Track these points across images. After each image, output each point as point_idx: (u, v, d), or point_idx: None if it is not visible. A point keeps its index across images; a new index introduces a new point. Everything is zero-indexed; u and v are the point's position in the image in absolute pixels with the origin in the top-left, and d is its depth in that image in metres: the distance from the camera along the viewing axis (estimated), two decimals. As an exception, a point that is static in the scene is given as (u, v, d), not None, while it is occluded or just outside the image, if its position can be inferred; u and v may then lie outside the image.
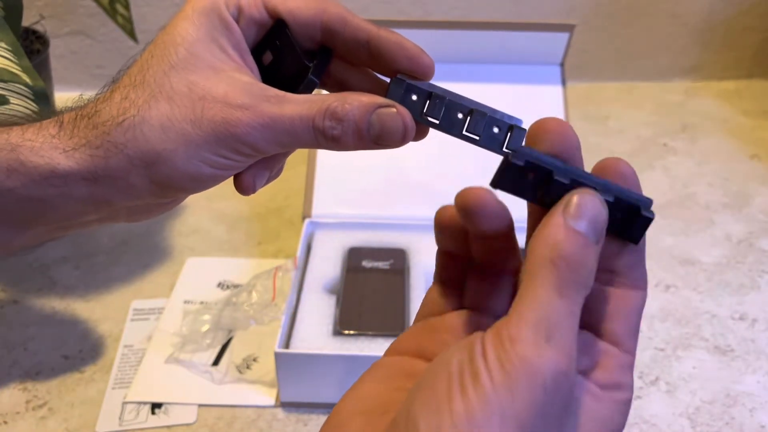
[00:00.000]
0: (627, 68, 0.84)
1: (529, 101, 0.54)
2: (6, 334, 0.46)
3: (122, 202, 0.22)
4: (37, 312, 0.48)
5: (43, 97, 0.38)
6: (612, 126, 0.75)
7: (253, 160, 0.22)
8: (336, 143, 0.21)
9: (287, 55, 0.22)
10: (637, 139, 0.72)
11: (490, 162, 0.58)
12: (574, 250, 0.16)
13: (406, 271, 0.46)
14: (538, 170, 0.19)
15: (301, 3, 0.22)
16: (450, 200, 0.55)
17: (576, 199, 0.17)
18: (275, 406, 0.40)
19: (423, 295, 0.45)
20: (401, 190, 0.51)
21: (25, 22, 0.60)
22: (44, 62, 0.56)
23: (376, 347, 0.40)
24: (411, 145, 0.57)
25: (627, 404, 0.17)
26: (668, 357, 0.44)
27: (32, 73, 0.39)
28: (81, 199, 0.22)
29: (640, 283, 0.19)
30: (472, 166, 0.52)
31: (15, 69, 0.38)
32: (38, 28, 0.60)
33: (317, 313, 0.42)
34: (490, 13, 0.78)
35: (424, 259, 0.47)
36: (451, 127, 0.23)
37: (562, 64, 0.54)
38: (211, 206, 0.60)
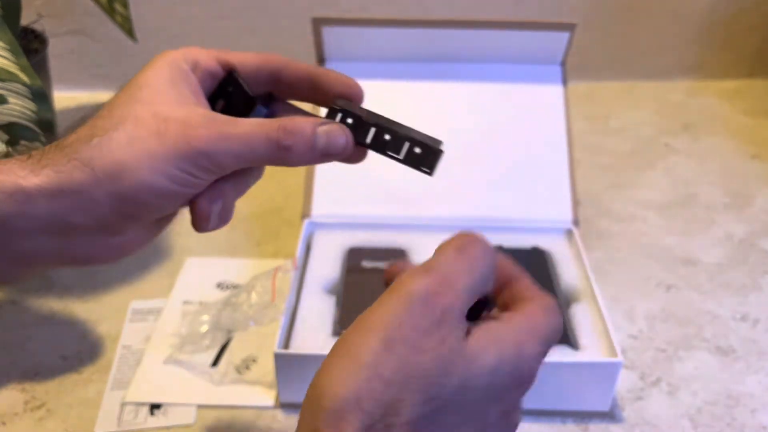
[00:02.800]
0: (628, 67, 0.84)
1: (529, 101, 0.53)
2: (4, 334, 0.45)
3: (82, 221, 0.23)
4: (36, 313, 0.47)
5: (41, 96, 0.38)
6: (613, 125, 0.75)
7: (211, 177, 0.25)
8: (289, 152, 0.25)
9: (238, 97, 0.26)
10: (638, 139, 0.72)
11: (489, 162, 0.58)
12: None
13: (406, 271, 0.46)
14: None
15: (249, 55, 0.27)
16: (450, 200, 0.56)
17: None
18: (274, 407, 0.40)
19: None
20: (401, 190, 0.51)
21: (24, 21, 0.60)
22: (43, 61, 0.56)
23: (376, 348, 0.39)
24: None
25: (549, 307, 0.23)
26: (670, 358, 0.44)
27: (30, 72, 0.39)
28: (40, 219, 0.22)
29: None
30: (471, 166, 0.52)
31: (13, 68, 0.38)
32: (37, 27, 0.59)
33: (317, 314, 0.42)
34: (490, 12, 0.78)
35: (424, 259, 0.47)
36: (378, 147, 0.28)
37: (562, 64, 0.54)
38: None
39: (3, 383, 0.42)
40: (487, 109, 0.53)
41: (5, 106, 0.38)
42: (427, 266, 0.21)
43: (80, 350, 0.44)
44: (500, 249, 0.48)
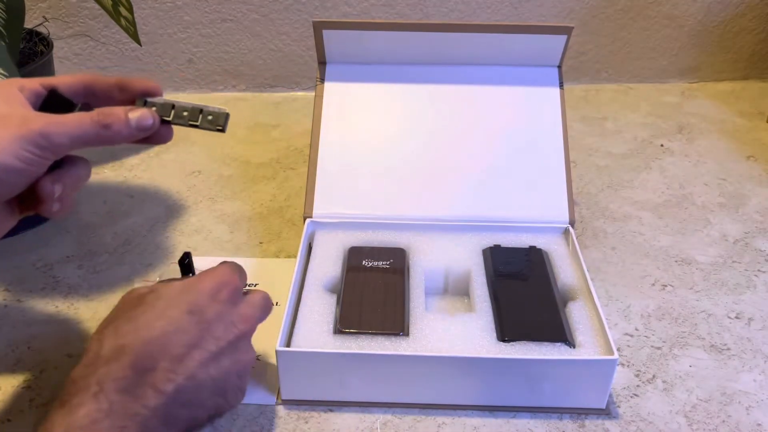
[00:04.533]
0: (624, 70, 0.85)
1: (527, 103, 0.54)
2: (10, 332, 0.46)
3: None
4: (41, 311, 0.48)
5: None
6: (609, 127, 0.76)
7: (50, 157, 0.31)
8: (109, 129, 0.32)
9: (62, 106, 0.33)
10: (634, 140, 0.73)
11: (487, 163, 0.59)
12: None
13: (406, 270, 0.47)
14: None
15: (66, 76, 0.34)
16: (449, 200, 0.57)
17: None
18: (276, 404, 0.41)
19: (423, 294, 0.48)
20: (401, 190, 0.52)
21: (29, 24, 0.61)
22: (47, 64, 0.56)
23: (376, 346, 0.40)
24: (411, 146, 0.57)
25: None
26: (665, 355, 0.45)
27: None
28: None
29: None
30: (470, 167, 0.53)
31: None
32: (41, 30, 0.60)
33: (318, 312, 0.43)
34: (488, 15, 0.79)
35: (424, 258, 0.48)
36: (179, 120, 0.35)
37: (559, 66, 0.55)
38: (214, 206, 0.61)
39: (9, 381, 0.42)
40: (485, 111, 0.54)
41: None
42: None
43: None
44: (498, 248, 0.49)
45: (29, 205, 0.33)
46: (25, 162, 0.30)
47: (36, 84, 0.33)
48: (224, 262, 0.36)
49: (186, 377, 0.30)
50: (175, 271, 0.43)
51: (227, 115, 0.36)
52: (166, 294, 0.32)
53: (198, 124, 0.35)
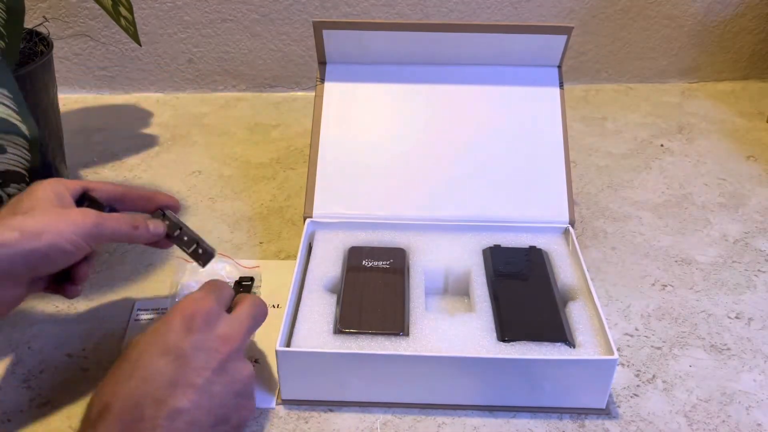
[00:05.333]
0: (624, 70, 0.85)
1: (527, 103, 0.54)
2: (10, 332, 0.46)
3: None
4: (41, 311, 0.48)
5: (35, 147, 0.42)
6: (609, 127, 0.76)
7: (89, 248, 0.38)
8: (138, 231, 0.40)
9: (93, 206, 0.40)
10: (634, 140, 0.73)
11: (487, 163, 0.59)
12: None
13: (406, 270, 0.47)
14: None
15: (102, 184, 0.41)
16: (449, 200, 0.57)
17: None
18: (277, 404, 0.41)
19: (423, 294, 0.48)
20: (401, 190, 0.52)
21: (29, 24, 0.61)
22: (47, 64, 0.56)
23: (376, 346, 0.40)
24: (411, 146, 0.57)
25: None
26: (665, 355, 0.45)
27: (30, 123, 0.42)
28: None
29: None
30: (470, 167, 0.53)
31: (14, 117, 0.41)
32: (41, 30, 0.60)
33: (318, 312, 0.43)
34: (488, 15, 0.79)
35: (424, 258, 0.48)
36: (178, 241, 0.43)
37: (559, 66, 0.55)
38: (214, 206, 0.61)
39: (9, 380, 0.42)
40: (485, 111, 0.54)
41: (4, 155, 0.41)
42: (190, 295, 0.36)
43: (85, 348, 0.45)
44: (498, 248, 0.49)
45: (57, 285, 0.40)
46: (75, 246, 0.36)
47: (78, 186, 0.40)
48: (201, 287, 0.36)
49: (176, 417, 0.30)
50: (175, 267, 0.43)
51: (212, 256, 0.43)
52: (141, 341, 0.32)
53: (188, 251, 0.43)
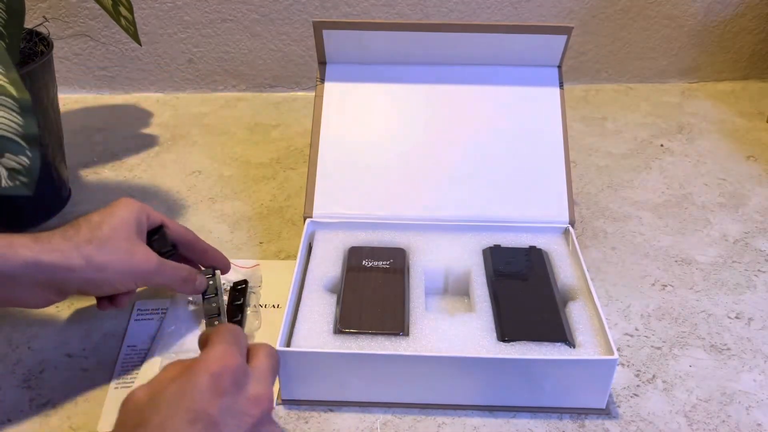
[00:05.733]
0: (624, 70, 0.85)
1: (527, 103, 0.54)
2: (10, 332, 0.46)
3: (50, 283, 0.38)
4: (41, 311, 0.48)
5: (28, 110, 0.39)
6: (609, 127, 0.76)
7: (137, 287, 0.42)
8: (188, 285, 0.44)
9: (163, 241, 0.44)
10: (634, 140, 0.73)
11: (487, 163, 0.58)
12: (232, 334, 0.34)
13: (406, 270, 0.47)
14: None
15: (178, 226, 0.45)
16: (449, 200, 0.57)
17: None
18: (276, 404, 0.41)
19: (423, 294, 0.47)
20: (401, 190, 0.52)
21: (29, 24, 0.61)
22: (48, 64, 0.56)
23: (376, 346, 0.40)
24: (411, 146, 0.57)
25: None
26: (665, 355, 0.45)
27: (19, 86, 0.39)
28: (39, 280, 0.38)
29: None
30: (470, 167, 0.53)
31: (3, 81, 0.39)
32: (41, 30, 0.60)
33: (318, 312, 0.43)
34: (488, 15, 0.79)
35: (424, 258, 0.48)
36: (205, 305, 0.45)
37: (559, 66, 0.55)
38: (214, 206, 0.61)
39: (9, 380, 0.42)
40: (485, 111, 0.54)
41: None
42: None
43: (85, 348, 0.45)
44: (498, 248, 0.49)
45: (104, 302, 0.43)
46: (127, 288, 0.41)
47: (158, 220, 0.43)
48: (218, 335, 0.32)
49: None
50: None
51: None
52: (164, 402, 0.29)
53: (207, 316, 0.45)
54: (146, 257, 0.40)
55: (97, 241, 0.38)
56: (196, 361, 0.31)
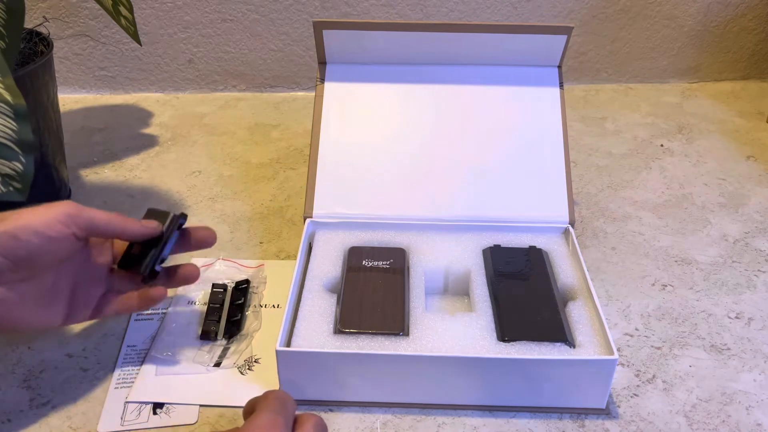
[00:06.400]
0: (624, 70, 0.85)
1: (527, 103, 0.54)
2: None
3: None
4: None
5: (22, 116, 0.38)
6: (609, 127, 0.76)
7: (79, 237, 0.37)
8: (127, 220, 0.39)
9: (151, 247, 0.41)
10: (634, 140, 0.73)
11: (487, 163, 0.59)
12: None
13: (406, 270, 0.47)
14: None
15: (103, 217, 0.38)
16: (449, 200, 0.57)
17: None
18: (277, 404, 0.41)
19: (423, 294, 0.46)
20: (401, 190, 0.52)
21: (29, 24, 0.61)
22: (48, 64, 0.56)
23: (376, 346, 0.40)
24: (411, 146, 0.57)
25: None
26: (665, 355, 0.45)
27: (14, 92, 0.39)
28: None
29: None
30: (470, 167, 0.53)
31: None
32: (42, 30, 0.60)
33: (318, 312, 0.43)
34: (488, 15, 0.79)
35: (424, 258, 0.48)
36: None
37: (559, 66, 0.55)
38: (214, 206, 0.61)
39: (9, 380, 0.42)
40: (485, 111, 0.54)
41: None
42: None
43: (85, 349, 0.45)
44: (498, 248, 0.49)
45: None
46: (54, 231, 0.35)
47: (90, 217, 0.37)
48: (265, 402, 0.30)
49: None
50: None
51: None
52: None
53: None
54: (60, 206, 0.36)
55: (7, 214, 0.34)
56: (242, 430, 0.29)
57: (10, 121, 0.38)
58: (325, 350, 0.40)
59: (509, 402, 0.40)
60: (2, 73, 0.39)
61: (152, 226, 0.40)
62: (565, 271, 0.47)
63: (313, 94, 0.55)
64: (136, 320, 0.47)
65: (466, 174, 0.52)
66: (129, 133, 0.73)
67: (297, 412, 0.31)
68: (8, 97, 0.38)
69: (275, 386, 0.42)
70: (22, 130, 0.38)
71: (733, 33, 0.83)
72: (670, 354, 0.45)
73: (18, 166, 0.38)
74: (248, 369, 0.43)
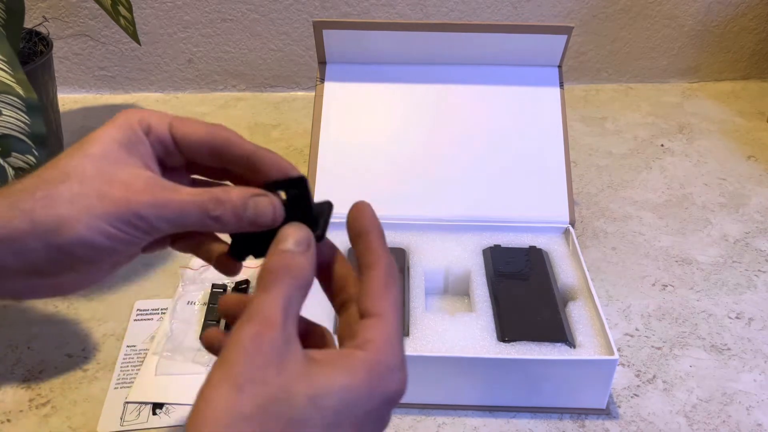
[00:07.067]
0: (624, 70, 0.85)
1: (527, 103, 0.54)
2: (9, 333, 0.46)
3: (15, 266, 0.24)
4: (41, 311, 0.48)
5: (35, 110, 0.39)
6: (609, 127, 0.76)
7: (147, 238, 0.25)
8: (218, 222, 0.25)
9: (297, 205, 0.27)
10: (634, 140, 0.73)
11: (487, 163, 0.59)
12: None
13: (406, 270, 0.47)
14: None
15: (196, 127, 0.27)
16: (449, 200, 0.57)
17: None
18: (277, 404, 0.41)
19: (423, 295, 0.45)
20: (401, 190, 0.52)
21: (29, 23, 0.61)
22: (47, 64, 0.56)
23: (376, 345, 0.40)
24: (411, 146, 0.57)
25: (365, 361, 0.23)
26: (665, 356, 0.45)
27: (26, 86, 0.39)
28: None
29: (371, 262, 0.25)
30: (470, 167, 0.53)
31: (10, 81, 0.39)
32: (41, 30, 0.60)
33: (318, 313, 0.43)
34: (488, 15, 0.79)
35: (424, 258, 0.48)
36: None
37: (559, 66, 0.55)
38: (213, 207, 0.61)
39: (8, 381, 0.42)
40: (485, 111, 0.54)
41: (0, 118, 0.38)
42: (249, 313, 0.22)
43: (85, 349, 0.45)
44: (498, 248, 0.49)
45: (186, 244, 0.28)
46: (116, 240, 0.24)
47: (164, 126, 0.26)
48: (391, 306, 0.24)
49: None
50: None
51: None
52: (328, 409, 0.21)
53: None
54: (128, 180, 0.24)
55: (44, 190, 0.23)
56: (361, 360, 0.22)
57: (23, 114, 0.39)
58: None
59: (509, 402, 0.40)
60: (14, 68, 0.39)
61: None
62: (565, 271, 0.47)
63: (313, 94, 0.55)
64: (136, 320, 0.47)
65: (466, 174, 0.52)
66: (129, 133, 0.73)
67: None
68: (20, 91, 0.38)
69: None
70: (34, 124, 0.38)
71: (734, 33, 0.83)
72: (671, 354, 0.45)
73: (31, 159, 0.38)
74: (248, 369, 0.43)
